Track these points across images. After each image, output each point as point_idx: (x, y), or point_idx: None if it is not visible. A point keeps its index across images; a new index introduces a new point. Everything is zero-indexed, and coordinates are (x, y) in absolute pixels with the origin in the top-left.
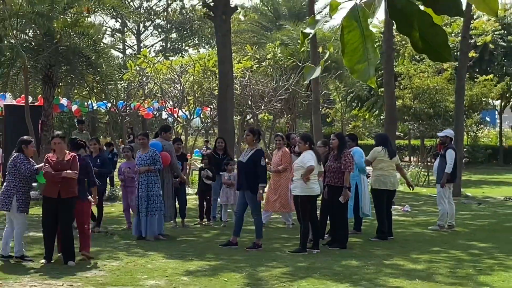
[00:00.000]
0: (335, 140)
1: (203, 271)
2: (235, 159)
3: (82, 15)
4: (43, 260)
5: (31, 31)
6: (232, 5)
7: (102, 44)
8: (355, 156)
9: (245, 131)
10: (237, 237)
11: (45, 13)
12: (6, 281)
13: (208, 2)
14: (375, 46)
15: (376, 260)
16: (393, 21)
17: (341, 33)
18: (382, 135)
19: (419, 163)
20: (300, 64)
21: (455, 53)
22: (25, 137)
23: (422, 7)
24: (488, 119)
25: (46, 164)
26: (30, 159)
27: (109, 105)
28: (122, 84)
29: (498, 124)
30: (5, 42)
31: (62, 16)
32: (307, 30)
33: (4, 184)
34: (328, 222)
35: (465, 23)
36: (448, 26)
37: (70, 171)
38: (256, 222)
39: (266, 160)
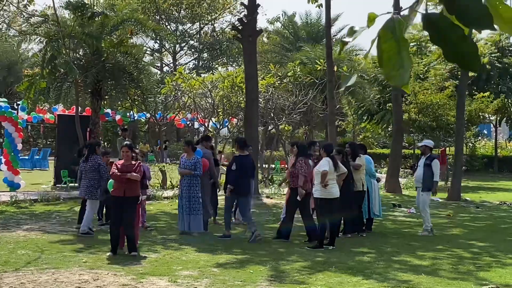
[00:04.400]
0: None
1: (231, 264)
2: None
3: (126, 36)
4: (109, 253)
5: (81, 50)
6: (258, 29)
7: (143, 62)
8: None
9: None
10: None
11: (94, 34)
12: (58, 270)
13: (237, 26)
14: (409, 53)
15: (385, 257)
16: (427, 32)
17: (378, 43)
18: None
19: None
20: (317, 81)
21: (457, 72)
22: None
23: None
24: (485, 132)
25: (114, 168)
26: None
27: (148, 115)
28: (160, 98)
29: (494, 136)
30: (59, 60)
31: (108, 37)
32: (346, 39)
33: (87, 180)
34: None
35: None
36: None
37: (134, 173)
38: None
39: None
